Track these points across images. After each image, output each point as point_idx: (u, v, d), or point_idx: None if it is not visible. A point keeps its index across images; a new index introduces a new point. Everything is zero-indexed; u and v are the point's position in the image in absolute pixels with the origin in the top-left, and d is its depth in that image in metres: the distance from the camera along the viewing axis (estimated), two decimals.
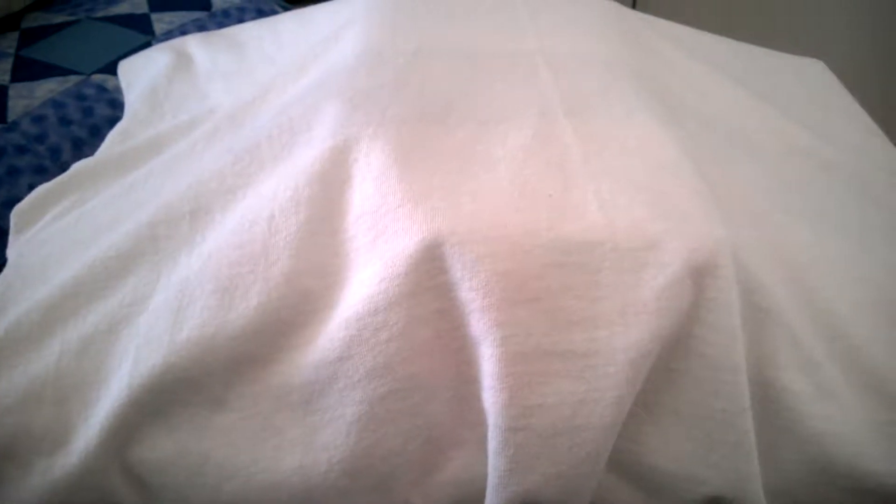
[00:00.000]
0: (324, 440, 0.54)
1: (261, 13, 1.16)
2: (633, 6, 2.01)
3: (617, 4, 0.86)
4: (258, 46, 0.84)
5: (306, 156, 0.59)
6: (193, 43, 0.88)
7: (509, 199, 0.54)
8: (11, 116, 0.87)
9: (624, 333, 0.52)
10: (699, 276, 0.53)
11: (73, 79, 0.94)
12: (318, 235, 0.56)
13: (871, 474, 0.55)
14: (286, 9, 1.20)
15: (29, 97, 0.90)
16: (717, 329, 0.53)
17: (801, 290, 0.59)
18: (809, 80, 0.96)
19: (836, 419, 0.56)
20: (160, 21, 1.09)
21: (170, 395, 0.54)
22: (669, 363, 0.54)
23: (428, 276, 0.52)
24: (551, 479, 0.53)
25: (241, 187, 0.61)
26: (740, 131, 0.74)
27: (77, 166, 0.71)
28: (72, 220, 0.65)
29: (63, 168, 0.79)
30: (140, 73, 0.86)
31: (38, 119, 0.87)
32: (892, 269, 0.65)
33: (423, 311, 0.52)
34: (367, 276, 0.53)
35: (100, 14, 1.09)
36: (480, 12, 0.78)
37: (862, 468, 0.55)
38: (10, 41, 1.01)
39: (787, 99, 0.87)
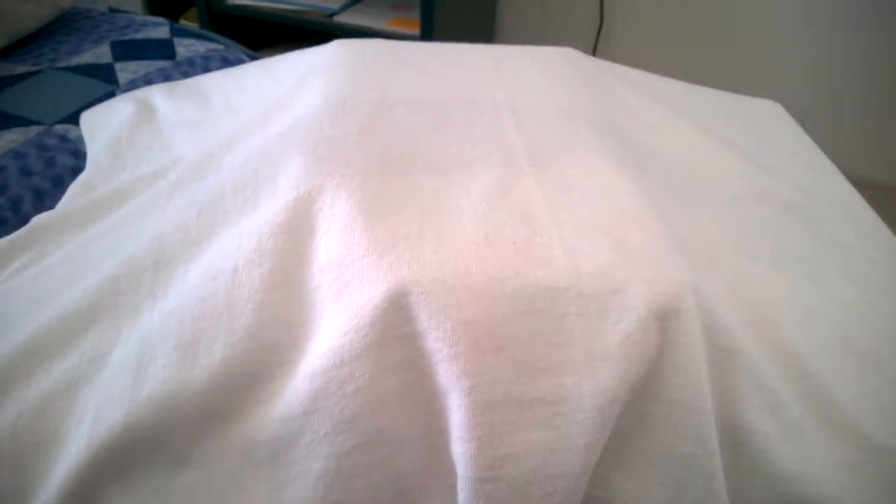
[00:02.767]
0: (291, 496, 0.53)
1: (226, 62, 1.16)
2: (594, 53, 2.05)
3: (578, 53, 0.88)
4: (222, 96, 0.84)
5: (270, 207, 0.59)
6: (157, 93, 0.88)
7: (474, 248, 0.54)
8: None
9: (591, 379, 0.52)
10: (663, 320, 0.53)
11: (35, 129, 0.93)
12: (282, 287, 0.55)
13: None
14: (252, 57, 1.21)
15: None
16: (683, 372, 0.53)
17: (764, 330, 0.60)
18: (767, 121, 0.98)
19: (804, 459, 0.56)
20: (124, 70, 1.09)
21: (130, 455, 0.52)
22: (637, 408, 0.54)
23: (394, 326, 0.52)
24: None
25: (205, 239, 0.60)
26: (701, 175, 0.76)
27: (37, 219, 0.70)
28: (32, 275, 0.64)
29: (24, 219, 0.79)
30: (102, 124, 0.86)
31: None
32: (851, 306, 0.66)
33: (390, 362, 0.52)
34: (333, 328, 0.53)
35: (62, 64, 1.09)
36: (444, 63, 0.79)
37: None
38: None
39: (746, 140, 0.89)
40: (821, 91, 1.94)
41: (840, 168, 0.92)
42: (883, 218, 0.84)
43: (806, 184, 0.83)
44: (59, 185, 0.87)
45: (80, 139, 0.91)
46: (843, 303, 0.66)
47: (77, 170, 0.87)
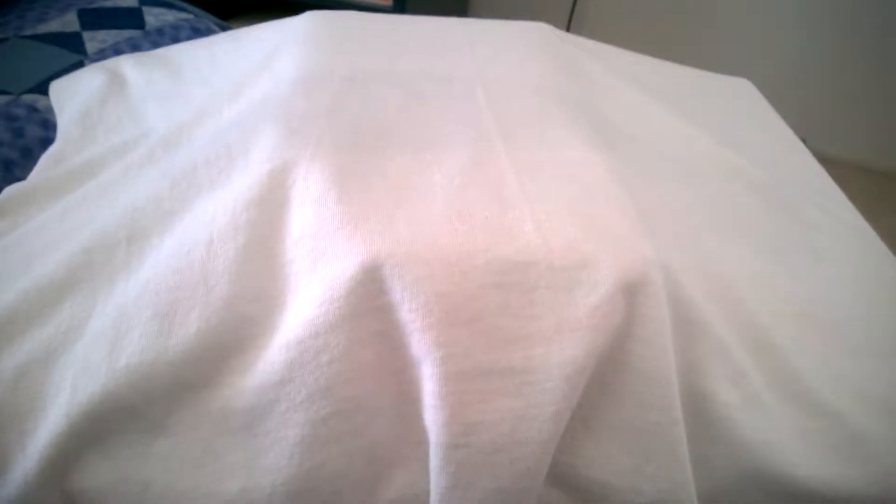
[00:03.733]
0: (267, 463, 0.54)
1: (196, 32, 1.15)
2: (568, 29, 2.05)
3: (552, 29, 0.89)
4: (193, 67, 0.83)
5: (244, 180, 0.59)
6: (127, 63, 0.87)
7: (446, 222, 0.55)
8: None
9: (560, 350, 0.53)
10: (630, 293, 0.54)
11: (3, 99, 0.91)
12: (257, 260, 0.56)
13: (797, 479, 0.58)
14: (223, 27, 1.19)
15: None
16: (649, 344, 0.55)
17: (728, 304, 0.61)
18: (737, 98, 1.00)
19: (764, 427, 0.58)
20: (92, 40, 1.07)
21: (108, 423, 0.53)
22: (604, 378, 0.55)
23: (368, 298, 0.53)
24: (492, 494, 0.54)
25: (178, 212, 0.60)
26: (670, 153, 0.77)
27: (8, 191, 0.69)
28: (3, 246, 0.63)
29: None
30: (72, 95, 0.84)
31: None
32: (812, 281, 0.68)
33: (364, 333, 0.53)
34: (308, 300, 0.53)
35: (28, 32, 1.06)
36: (416, 36, 0.79)
37: (788, 473, 0.58)
38: None
39: (716, 119, 0.90)
40: (791, 68, 1.96)
41: (809, 146, 0.94)
42: (850, 197, 0.86)
43: (774, 162, 0.85)
44: (28, 155, 0.86)
45: (49, 109, 0.89)
46: (806, 278, 0.68)
47: (46, 140, 0.85)
